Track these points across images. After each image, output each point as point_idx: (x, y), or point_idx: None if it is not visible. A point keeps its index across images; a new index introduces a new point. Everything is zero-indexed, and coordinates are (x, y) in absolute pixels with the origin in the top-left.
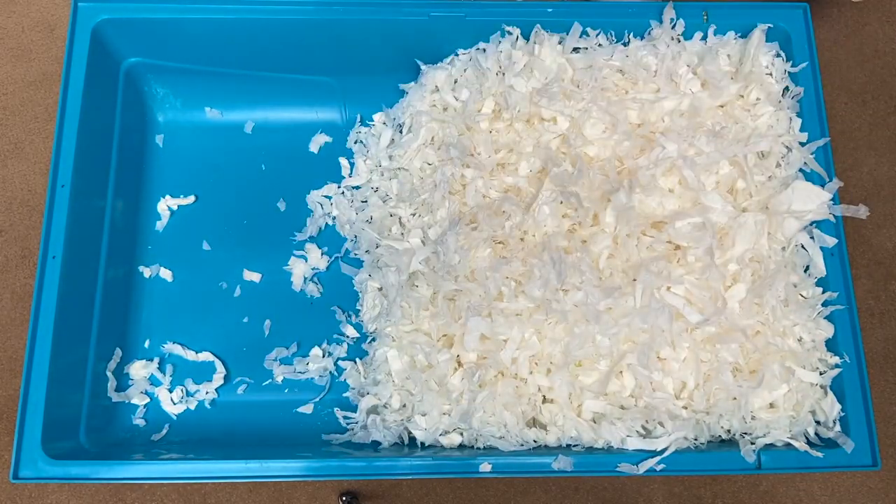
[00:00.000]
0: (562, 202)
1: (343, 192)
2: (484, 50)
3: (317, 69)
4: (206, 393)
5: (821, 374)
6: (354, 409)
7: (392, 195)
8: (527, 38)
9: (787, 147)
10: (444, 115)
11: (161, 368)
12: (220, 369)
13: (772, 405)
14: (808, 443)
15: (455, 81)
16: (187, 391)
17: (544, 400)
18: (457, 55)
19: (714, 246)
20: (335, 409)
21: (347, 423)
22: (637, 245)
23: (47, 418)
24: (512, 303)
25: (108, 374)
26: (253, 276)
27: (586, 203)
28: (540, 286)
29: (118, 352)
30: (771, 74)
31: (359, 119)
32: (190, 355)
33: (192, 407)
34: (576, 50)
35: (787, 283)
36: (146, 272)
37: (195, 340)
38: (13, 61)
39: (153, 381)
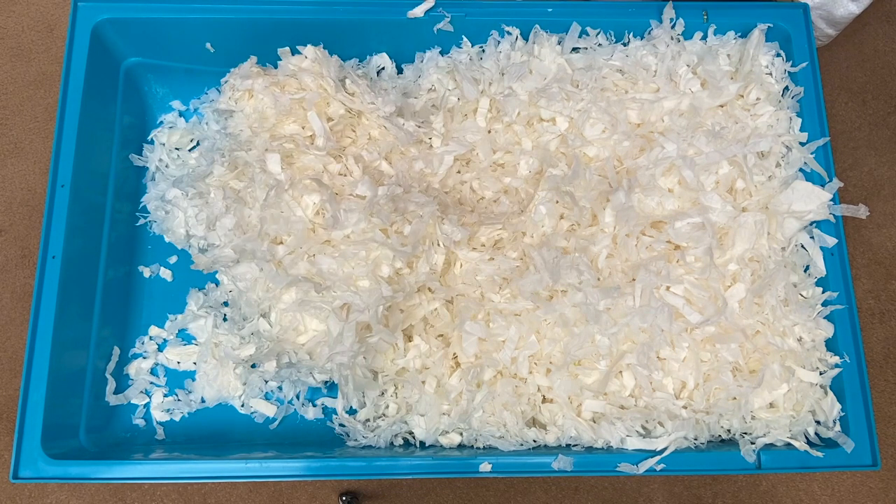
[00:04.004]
0: (557, 202)
1: None
2: (483, 49)
3: None
4: (191, 402)
5: (821, 373)
6: (353, 411)
7: None
8: (526, 38)
9: (787, 147)
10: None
11: (157, 371)
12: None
13: (772, 405)
14: (808, 443)
15: (454, 80)
16: (178, 398)
17: (544, 400)
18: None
19: (714, 246)
20: (333, 416)
21: (345, 432)
22: (636, 245)
23: (47, 418)
24: (509, 303)
25: (108, 376)
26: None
27: (584, 203)
28: (535, 286)
29: (117, 351)
30: (771, 74)
31: None
32: (172, 365)
33: (177, 419)
34: (575, 50)
35: (786, 283)
36: (146, 272)
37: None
38: (13, 61)
39: (153, 379)
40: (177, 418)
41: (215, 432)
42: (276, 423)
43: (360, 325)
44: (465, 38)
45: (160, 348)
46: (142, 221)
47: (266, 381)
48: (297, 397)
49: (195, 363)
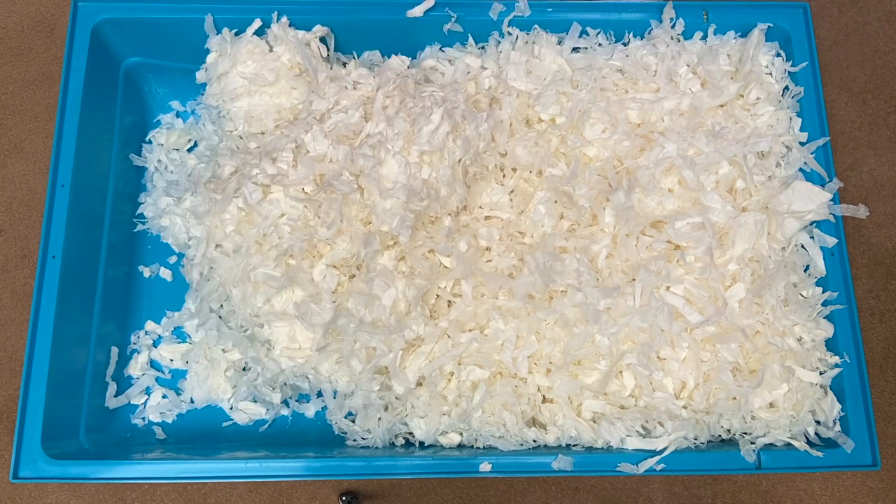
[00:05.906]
0: (556, 202)
1: None
2: (483, 48)
3: None
4: (181, 403)
5: (821, 373)
6: (352, 413)
7: None
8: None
9: (787, 147)
10: None
11: (158, 368)
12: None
13: (772, 405)
14: (808, 443)
15: (455, 82)
16: (168, 399)
17: (544, 400)
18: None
19: (714, 246)
20: (334, 421)
21: (345, 434)
22: (636, 245)
23: (47, 418)
24: (507, 302)
25: (108, 380)
26: None
27: (584, 202)
28: (528, 289)
29: (115, 351)
30: (771, 74)
31: None
32: (165, 362)
33: (170, 420)
34: (576, 50)
35: (786, 282)
36: (146, 272)
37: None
38: (13, 61)
39: (156, 373)
40: (169, 420)
41: (212, 433)
42: (267, 425)
43: (378, 369)
44: (470, 38)
45: (155, 344)
46: (140, 228)
47: (257, 388)
48: (291, 398)
49: (187, 362)
